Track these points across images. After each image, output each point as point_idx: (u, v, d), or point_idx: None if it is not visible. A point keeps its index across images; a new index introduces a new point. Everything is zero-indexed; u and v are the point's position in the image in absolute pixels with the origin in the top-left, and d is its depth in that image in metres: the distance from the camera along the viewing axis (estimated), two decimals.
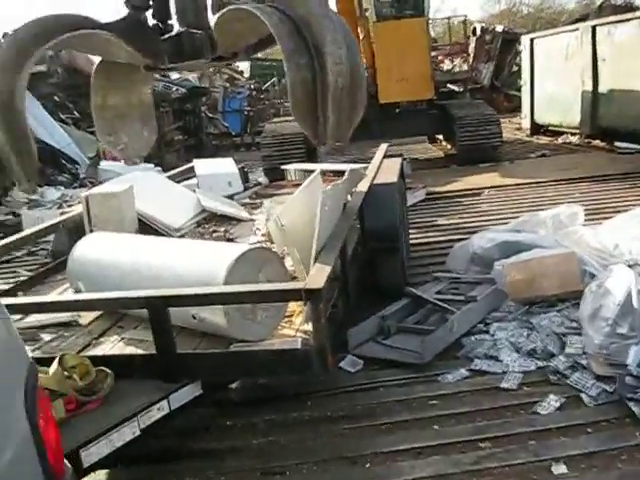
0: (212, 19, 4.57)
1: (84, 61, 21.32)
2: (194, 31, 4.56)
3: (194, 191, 7.75)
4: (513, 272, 5.58)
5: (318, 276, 3.53)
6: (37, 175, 4.56)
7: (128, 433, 3.37)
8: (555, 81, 15.88)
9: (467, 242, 6.77)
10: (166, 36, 4.65)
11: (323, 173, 9.24)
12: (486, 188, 11.07)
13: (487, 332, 5.36)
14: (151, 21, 4.86)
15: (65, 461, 2.28)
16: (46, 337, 4.36)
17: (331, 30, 3.91)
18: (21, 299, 4.36)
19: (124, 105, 5.24)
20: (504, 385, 4.63)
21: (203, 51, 4.55)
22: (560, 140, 16.02)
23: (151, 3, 4.82)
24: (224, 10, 4.32)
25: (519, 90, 19.93)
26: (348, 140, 4.10)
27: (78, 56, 21.23)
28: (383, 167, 7.07)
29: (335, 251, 4.06)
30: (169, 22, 4.84)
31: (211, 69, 26.89)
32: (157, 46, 4.59)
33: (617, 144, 13.52)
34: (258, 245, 4.54)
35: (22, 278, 7.43)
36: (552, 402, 4.36)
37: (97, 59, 5.30)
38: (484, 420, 4.30)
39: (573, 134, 15.71)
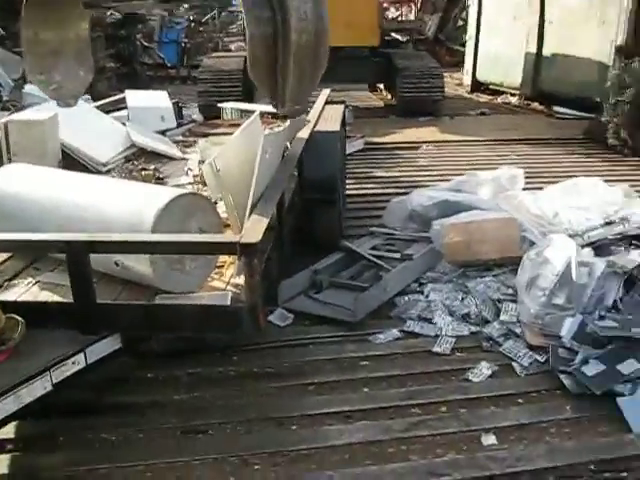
0: None
1: None
2: None
3: (124, 124, 7.32)
4: (451, 233, 5.46)
5: (254, 229, 3.27)
6: None
7: (39, 388, 3.10)
8: (500, 39, 15.72)
9: (405, 198, 6.61)
10: None
11: (262, 115, 8.93)
12: (425, 142, 10.90)
13: (421, 293, 5.25)
14: None
15: None
16: None
17: None
18: None
19: (58, 41, 4.75)
20: (436, 349, 4.55)
21: None
22: (500, 100, 15.95)
23: None
24: None
25: (462, 45, 19.70)
26: (307, 103, 3.79)
27: None
28: (325, 114, 6.80)
29: (273, 203, 3.81)
30: None
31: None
32: None
33: (555, 108, 13.50)
34: (190, 191, 4.22)
35: None
36: (484, 369, 4.30)
37: None
38: (415, 385, 4.21)
39: (513, 94, 15.66)
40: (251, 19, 3.57)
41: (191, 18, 24.51)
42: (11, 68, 15.07)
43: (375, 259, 5.56)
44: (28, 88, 13.49)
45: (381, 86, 16.60)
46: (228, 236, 3.41)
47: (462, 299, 5.04)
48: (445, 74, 15.14)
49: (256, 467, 3.50)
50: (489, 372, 4.27)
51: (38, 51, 4.79)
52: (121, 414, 3.96)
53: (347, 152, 8.44)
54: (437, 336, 4.68)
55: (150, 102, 8.29)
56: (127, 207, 3.75)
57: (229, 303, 3.51)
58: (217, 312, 3.38)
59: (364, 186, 8.34)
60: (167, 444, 3.69)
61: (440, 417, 3.87)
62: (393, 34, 17.85)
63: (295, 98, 3.72)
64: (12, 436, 3.69)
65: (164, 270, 3.60)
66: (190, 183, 5.81)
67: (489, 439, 3.67)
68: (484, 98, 16.42)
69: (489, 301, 4.97)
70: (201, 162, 5.99)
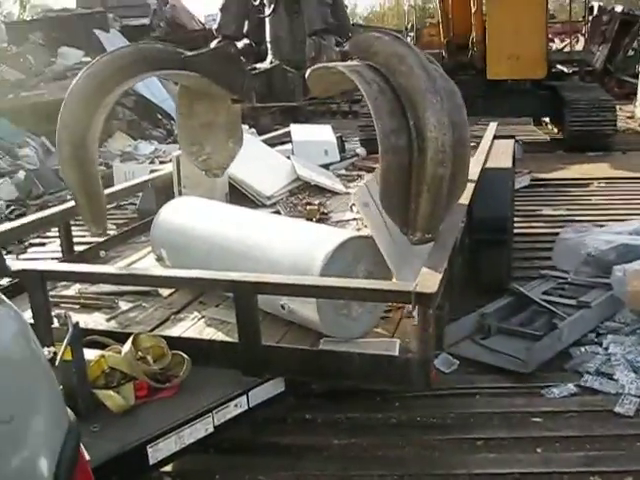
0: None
1: (187, 16, 21.28)
2: (287, 69, 4.07)
3: (288, 157, 7.37)
4: (636, 280, 4.97)
5: (430, 278, 3.05)
6: (105, 219, 4.25)
7: (201, 430, 3.02)
8: None
9: (578, 240, 6.16)
10: (257, 71, 4.19)
11: None
12: (596, 179, 10.32)
13: (600, 344, 4.81)
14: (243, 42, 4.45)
15: None
16: (123, 305, 4.08)
17: (437, 111, 3.37)
18: (98, 268, 4.07)
19: (211, 113, 4.82)
20: (618, 409, 4.10)
21: (295, 94, 4.08)
22: None
23: (245, 30, 4.43)
24: (319, 67, 3.84)
25: (634, 76, 18.70)
26: (438, 231, 3.58)
27: (181, 11, 21.21)
28: (494, 149, 6.52)
29: (448, 249, 3.56)
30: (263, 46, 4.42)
31: None
32: (246, 83, 4.14)
33: None
34: (360, 234, 4.04)
35: (108, 232, 7.30)
36: None
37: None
38: (594, 449, 3.80)
39: None
40: (386, 147, 3.40)
41: None
42: None
43: (548, 305, 5.18)
44: None
45: (546, 119, 15.98)
46: (402, 284, 3.20)
47: None
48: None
49: None
50: None
51: (191, 124, 4.86)
52: (278, 456, 3.86)
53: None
54: (619, 394, 4.23)
55: (314, 136, 8.34)
56: (295, 248, 3.65)
57: (397, 353, 3.30)
58: (386, 363, 3.17)
59: (532, 224, 7.96)
60: None
61: None
62: (558, 66, 17.19)
63: (427, 228, 3.51)
64: (169, 469, 3.66)
65: (330, 315, 3.45)
66: (354, 219, 5.70)
67: None
68: None
69: None
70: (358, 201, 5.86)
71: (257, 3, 4.35)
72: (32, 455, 1.44)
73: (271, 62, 4.22)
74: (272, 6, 4.17)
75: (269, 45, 4.23)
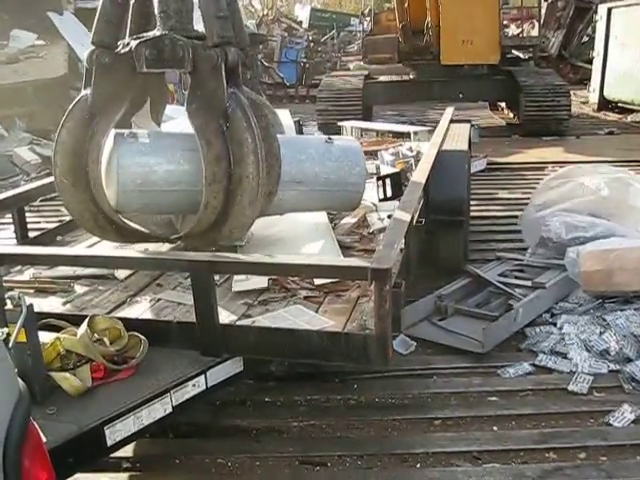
0: None
1: None
2: (177, 37, 3.86)
3: None
4: (589, 261, 5.06)
5: (387, 253, 3.06)
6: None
7: (159, 410, 2.99)
8: (631, 55, 14.95)
9: (538, 216, 6.10)
10: (145, 38, 4.02)
11: (381, 134, 8.77)
12: (550, 163, 10.42)
13: (554, 324, 4.89)
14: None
15: None
16: (79, 289, 4.01)
17: None
18: (54, 249, 3.99)
19: None
20: (572, 387, 4.18)
21: (184, 62, 3.92)
22: (630, 118, 15.14)
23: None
24: None
25: (588, 62, 18.95)
26: None
27: None
28: (451, 133, 6.56)
29: (404, 226, 3.57)
30: None
31: (270, 17, 26.34)
32: (135, 50, 3.97)
33: None
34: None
35: (63, 218, 7.18)
36: (626, 414, 3.89)
37: None
38: (549, 426, 3.87)
39: None
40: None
41: (310, 38, 24.80)
42: None
43: (504, 286, 5.25)
44: None
45: (502, 104, 16.15)
46: (359, 261, 3.19)
47: (600, 333, 4.63)
48: None
49: None
50: (632, 417, 3.86)
51: None
52: (238, 438, 3.86)
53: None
54: (572, 373, 4.31)
55: None
56: None
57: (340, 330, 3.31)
58: (343, 340, 3.18)
59: (488, 208, 8.06)
60: (284, 475, 3.55)
61: (578, 465, 3.52)
62: (514, 51, 17.37)
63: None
64: (129, 454, 3.64)
65: None
66: None
67: None
68: (612, 117, 15.67)
69: (631, 337, 4.54)
70: None
71: None
72: None
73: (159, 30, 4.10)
74: None
75: (157, 17, 4.10)
